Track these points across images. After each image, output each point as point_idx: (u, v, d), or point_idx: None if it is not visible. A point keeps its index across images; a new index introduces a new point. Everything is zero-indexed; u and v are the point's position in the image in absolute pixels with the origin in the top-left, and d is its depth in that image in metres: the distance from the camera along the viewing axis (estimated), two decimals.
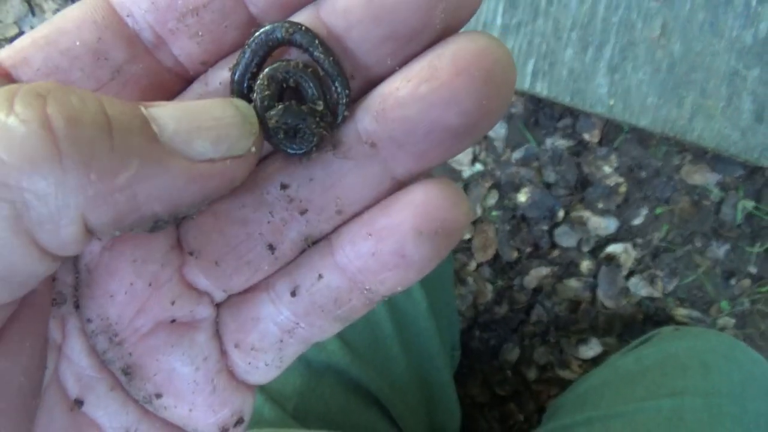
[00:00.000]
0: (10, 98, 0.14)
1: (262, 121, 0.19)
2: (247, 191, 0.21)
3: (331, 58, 0.19)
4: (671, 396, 0.63)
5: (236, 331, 0.22)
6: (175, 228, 0.21)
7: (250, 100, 0.19)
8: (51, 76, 0.18)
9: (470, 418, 1.23)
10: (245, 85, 0.19)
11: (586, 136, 1.21)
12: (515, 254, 1.24)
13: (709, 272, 1.20)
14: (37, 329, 0.20)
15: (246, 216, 0.21)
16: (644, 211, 1.21)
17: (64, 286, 0.20)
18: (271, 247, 0.21)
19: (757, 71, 0.53)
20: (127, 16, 0.19)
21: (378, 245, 0.19)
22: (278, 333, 0.22)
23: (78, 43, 0.18)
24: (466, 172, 1.25)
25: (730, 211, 1.17)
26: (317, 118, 0.19)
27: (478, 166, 1.24)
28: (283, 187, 0.21)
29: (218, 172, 0.17)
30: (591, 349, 1.22)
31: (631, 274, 1.22)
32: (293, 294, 0.21)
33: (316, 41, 0.19)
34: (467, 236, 1.25)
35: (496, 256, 1.25)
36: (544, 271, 1.23)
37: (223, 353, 0.22)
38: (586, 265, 1.23)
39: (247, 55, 0.19)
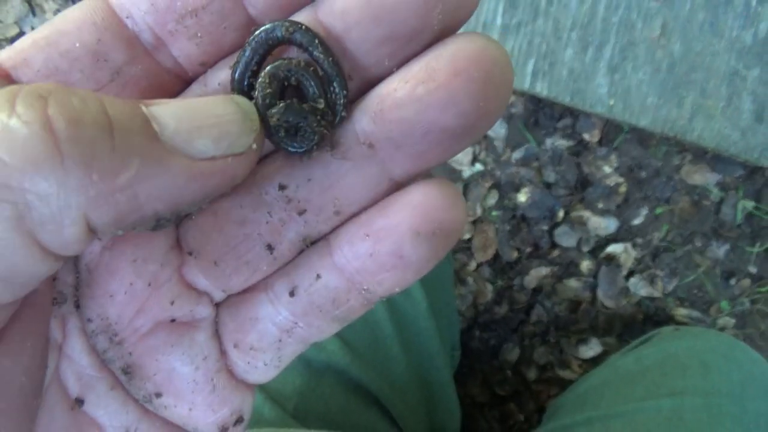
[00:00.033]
0: (11, 99, 0.14)
1: (264, 119, 0.19)
2: (245, 192, 0.21)
3: (331, 59, 0.19)
4: (671, 396, 0.63)
5: (235, 331, 0.22)
6: (174, 228, 0.21)
7: (250, 98, 0.19)
8: (51, 77, 0.18)
9: (470, 418, 1.23)
10: (246, 82, 0.19)
11: (586, 136, 1.21)
12: (515, 254, 1.24)
13: (709, 272, 1.20)
14: (39, 329, 0.20)
15: (245, 216, 0.21)
16: (644, 211, 1.21)
17: (64, 286, 0.21)
18: (270, 248, 0.21)
19: (757, 71, 0.53)
20: (127, 17, 0.19)
21: (376, 246, 0.19)
22: (277, 333, 0.22)
23: (78, 45, 0.18)
24: (466, 172, 1.25)
25: (730, 211, 1.17)
26: (318, 117, 0.19)
27: (478, 166, 1.24)
28: (282, 187, 0.21)
29: (219, 170, 0.17)
30: (591, 349, 1.22)
31: (631, 274, 1.22)
32: (292, 294, 0.21)
33: (316, 41, 0.19)
34: (467, 236, 1.25)
35: (496, 256, 1.25)
36: (544, 271, 1.23)
37: (223, 353, 0.22)
38: (586, 265, 1.23)
39: (247, 53, 0.19)
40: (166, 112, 0.17)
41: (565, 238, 1.23)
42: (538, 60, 0.56)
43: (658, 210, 1.20)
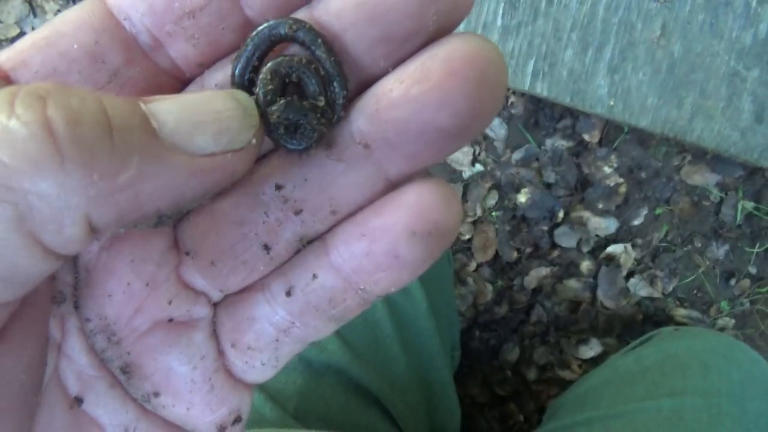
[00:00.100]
0: (10, 100, 0.14)
1: (264, 115, 0.19)
2: (242, 192, 0.21)
3: (333, 58, 0.19)
4: (671, 396, 0.63)
5: (232, 331, 0.22)
6: (172, 228, 0.21)
7: (250, 93, 0.19)
8: (49, 78, 0.18)
9: (470, 418, 1.23)
10: (246, 78, 0.19)
11: (586, 137, 1.21)
12: (515, 254, 1.24)
13: (708, 272, 1.20)
14: (38, 328, 0.20)
15: (241, 216, 0.21)
16: (644, 212, 1.21)
17: (63, 285, 0.21)
18: (267, 248, 0.21)
19: (757, 72, 0.53)
20: (125, 19, 0.19)
21: (371, 246, 0.19)
22: (274, 333, 0.22)
23: (76, 46, 0.18)
24: (467, 172, 1.25)
25: (729, 211, 1.17)
26: (318, 115, 0.19)
27: (479, 167, 1.24)
28: (278, 187, 0.21)
29: (219, 166, 0.17)
30: (591, 349, 1.22)
31: (630, 274, 1.22)
32: (288, 294, 0.21)
33: (319, 40, 0.19)
34: (467, 236, 1.25)
35: (496, 257, 1.25)
36: (544, 271, 1.23)
37: (221, 352, 0.22)
38: (586, 265, 1.23)
39: (249, 49, 0.19)
40: (165, 108, 0.16)
41: (565, 238, 1.23)
42: (538, 60, 0.56)
43: (658, 210, 1.20)
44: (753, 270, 1.18)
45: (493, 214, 1.24)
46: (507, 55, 0.56)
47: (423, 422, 0.70)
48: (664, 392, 0.64)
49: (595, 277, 1.22)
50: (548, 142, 1.22)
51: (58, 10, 1.35)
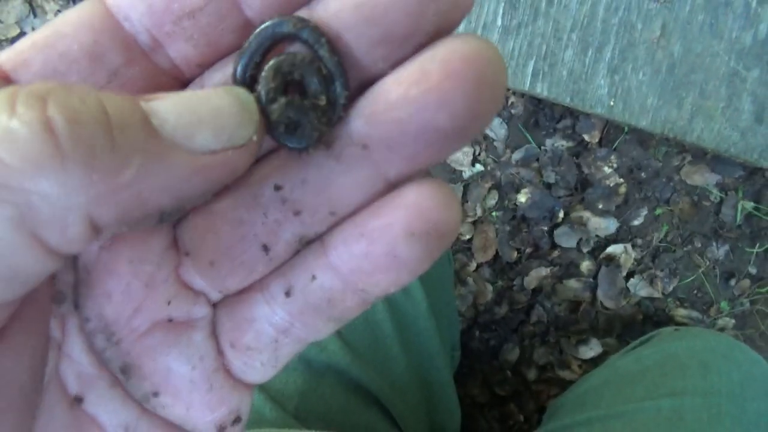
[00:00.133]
0: (11, 100, 0.14)
1: (265, 112, 0.19)
2: (240, 192, 0.21)
3: (336, 58, 0.19)
4: (671, 396, 0.63)
5: (232, 331, 0.22)
6: (171, 228, 0.21)
7: (252, 90, 0.19)
8: (49, 78, 0.18)
9: (470, 418, 1.23)
10: (247, 74, 0.19)
11: (586, 137, 1.21)
12: (515, 255, 1.24)
13: (708, 273, 1.20)
14: (39, 328, 0.20)
15: (240, 217, 0.21)
16: (644, 212, 1.21)
17: (64, 285, 0.21)
18: (266, 248, 0.21)
19: (757, 72, 0.53)
20: (124, 19, 0.19)
21: (370, 246, 0.19)
22: (273, 333, 0.22)
23: (76, 47, 0.18)
24: (467, 172, 1.25)
25: (729, 211, 1.17)
26: (319, 114, 0.19)
27: (479, 167, 1.24)
28: (277, 188, 0.21)
29: (220, 163, 0.17)
30: (591, 349, 1.22)
31: (630, 274, 1.22)
32: (287, 294, 0.21)
33: (323, 39, 0.18)
34: (467, 237, 1.25)
35: (496, 257, 1.25)
36: (544, 271, 1.23)
37: (220, 353, 0.22)
38: (586, 265, 1.23)
39: (252, 45, 0.19)
40: (166, 107, 0.16)
41: (565, 238, 1.23)
42: (538, 61, 0.56)
43: (658, 211, 1.20)
44: (753, 270, 1.18)
45: (493, 214, 1.24)
46: (507, 56, 0.56)
47: (423, 422, 0.70)
48: (664, 392, 0.64)
49: (595, 277, 1.23)
50: (548, 142, 1.22)
51: (59, 11, 1.36)
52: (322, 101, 0.19)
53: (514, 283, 1.25)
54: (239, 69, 0.19)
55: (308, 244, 0.21)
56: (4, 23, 1.36)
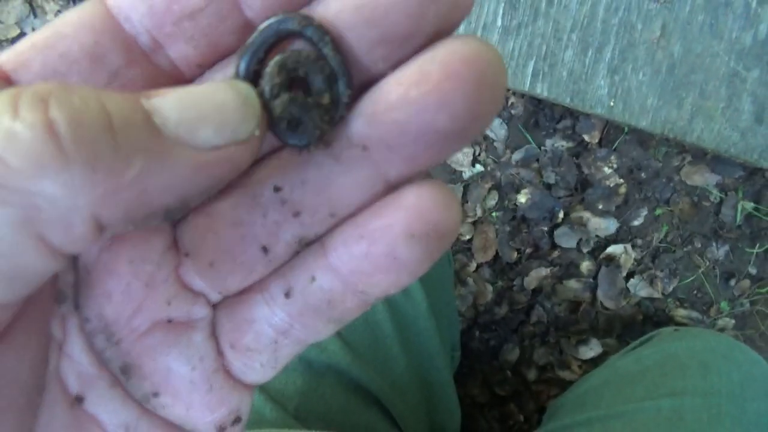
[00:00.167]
0: (14, 102, 0.14)
1: (268, 108, 0.19)
2: (240, 193, 0.21)
3: (339, 57, 0.19)
4: (671, 396, 0.63)
5: (231, 332, 0.22)
6: (171, 228, 0.21)
7: (255, 86, 0.19)
8: (49, 79, 0.18)
9: (470, 418, 1.23)
10: (250, 70, 0.19)
11: (586, 137, 1.21)
12: (515, 255, 1.24)
13: (708, 273, 1.20)
14: (41, 327, 0.20)
15: (239, 218, 0.21)
16: (644, 212, 1.21)
17: (65, 285, 0.21)
18: (265, 249, 0.21)
19: (757, 72, 0.53)
20: (125, 20, 0.19)
21: (370, 247, 0.19)
22: (273, 334, 0.22)
23: (76, 48, 0.18)
24: (467, 173, 1.25)
25: (729, 212, 1.17)
26: (321, 112, 0.19)
27: (479, 167, 1.24)
28: (276, 189, 0.20)
29: (223, 159, 0.17)
30: (591, 349, 1.22)
31: (630, 274, 1.22)
32: (287, 296, 0.21)
33: (327, 38, 0.18)
34: (467, 237, 1.25)
35: (496, 257, 1.25)
36: (544, 271, 1.23)
37: (220, 353, 0.22)
38: (586, 265, 1.23)
39: (256, 41, 0.19)
40: (167, 103, 0.16)
41: (565, 239, 1.23)
42: (538, 61, 0.56)
43: (658, 211, 1.20)
44: (753, 270, 1.18)
45: (493, 214, 1.24)
46: (507, 56, 0.57)
47: (423, 422, 0.70)
48: (664, 392, 0.64)
49: (595, 277, 1.23)
50: (548, 142, 1.22)
51: (59, 11, 1.36)
52: (325, 99, 0.19)
53: (514, 283, 1.25)
54: (242, 64, 0.19)
55: (308, 245, 0.21)
56: (5, 23, 1.36)
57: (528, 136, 1.22)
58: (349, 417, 0.61)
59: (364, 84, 0.19)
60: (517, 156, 1.23)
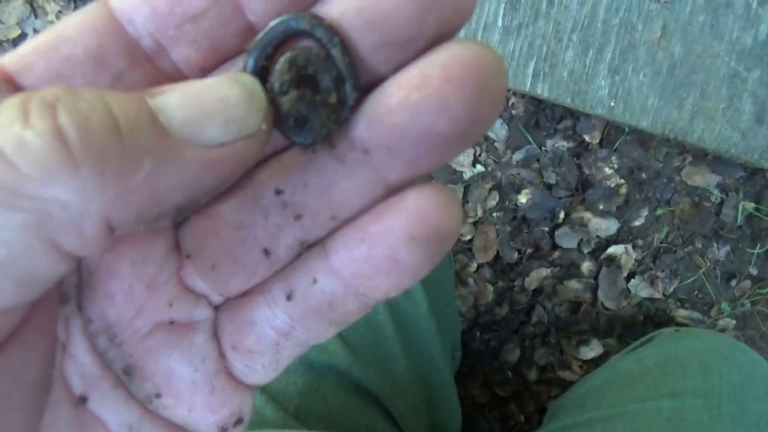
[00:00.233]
0: (24, 109, 0.15)
1: (275, 104, 0.19)
2: (242, 195, 0.21)
3: (347, 59, 0.19)
4: (672, 396, 0.63)
5: (233, 334, 0.22)
6: (173, 230, 0.21)
7: (262, 82, 0.19)
8: (53, 82, 0.18)
9: (471, 419, 1.23)
10: (258, 65, 0.19)
11: (587, 138, 1.21)
12: (516, 255, 1.24)
13: (709, 273, 1.20)
14: (48, 328, 0.20)
15: (241, 221, 0.21)
16: (645, 213, 1.21)
17: (68, 286, 0.21)
18: (267, 252, 0.21)
19: (758, 73, 0.53)
20: (128, 23, 0.19)
21: (371, 250, 0.19)
22: (274, 336, 0.22)
23: (79, 50, 0.18)
24: (467, 173, 1.25)
25: (730, 212, 1.17)
26: (329, 111, 0.19)
27: (479, 168, 1.25)
28: (278, 192, 0.21)
29: (231, 155, 0.17)
30: (591, 350, 1.22)
31: (631, 275, 1.22)
32: (289, 298, 0.21)
33: (336, 39, 0.18)
34: (468, 237, 1.25)
35: (497, 257, 1.25)
36: (545, 272, 1.23)
37: (222, 355, 0.22)
38: (586, 266, 1.23)
39: (266, 38, 0.19)
40: (172, 102, 0.16)
41: (566, 239, 1.23)
42: (538, 61, 0.56)
43: (659, 211, 1.20)
44: (754, 271, 1.18)
45: (494, 214, 1.24)
46: (507, 56, 0.57)
47: (424, 422, 0.70)
48: (665, 393, 0.64)
49: (595, 278, 1.23)
50: (549, 142, 1.22)
51: (59, 11, 1.36)
52: (333, 99, 0.19)
53: (515, 283, 1.25)
54: (251, 60, 0.19)
55: (309, 247, 0.21)
56: (5, 24, 1.36)
57: (529, 136, 1.22)
58: (349, 417, 0.61)
59: (368, 86, 0.19)
60: (517, 156, 1.23)
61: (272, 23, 0.19)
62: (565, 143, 1.21)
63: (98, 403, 0.21)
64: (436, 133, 0.18)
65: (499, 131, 1.23)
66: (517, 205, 1.23)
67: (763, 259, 1.18)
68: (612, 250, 1.22)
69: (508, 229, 1.24)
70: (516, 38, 0.56)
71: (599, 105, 0.56)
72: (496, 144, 1.24)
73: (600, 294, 1.22)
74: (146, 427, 0.22)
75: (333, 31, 0.18)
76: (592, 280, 1.23)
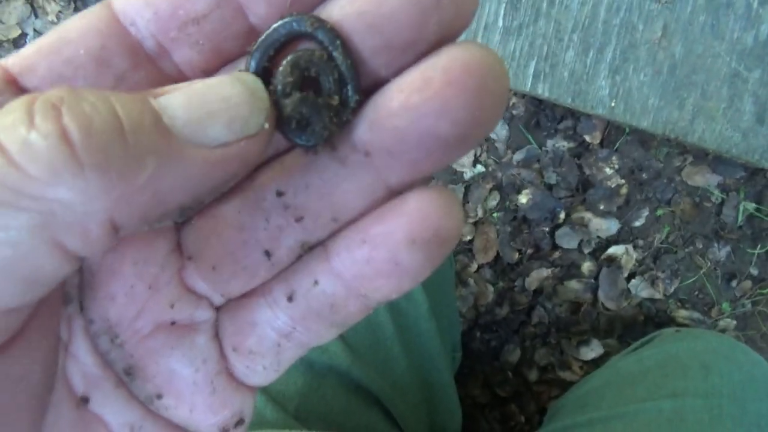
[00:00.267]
0: (29, 111, 0.15)
1: (278, 106, 0.19)
2: (243, 197, 0.21)
3: (349, 61, 0.19)
4: (672, 397, 0.63)
5: (234, 335, 0.22)
6: (175, 231, 0.22)
7: (264, 83, 0.19)
8: (55, 83, 0.18)
9: (471, 419, 1.23)
10: (260, 66, 0.19)
11: (588, 138, 1.21)
12: (516, 256, 1.24)
13: (710, 274, 1.20)
14: (52, 328, 0.20)
15: (242, 222, 0.21)
16: (645, 213, 1.21)
17: (70, 287, 0.21)
18: (268, 254, 0.21)
19: (758, 73, 0.53)
20: (131, 25, 0.19)
21: (372, 252, 0.19)
22: (276, 337, 0.22)
23: (82, 52, 0.18)
24: (468, 173, 1.25)
25: (731, 212, 1.17)
26: (331, 114, 0.19)
27: (480, 168, 1.25)
28: (279, 194, 0.21)
29: (234, 155, 0.17)
30: (592, 350, 1.22)
31: (632, 275, 1.22)
32: (290, 299, 0.21)
33: (338, 41, 0.18)
34: (468, 238, 1.25)
35: (497, 258, 1.25)
36: (545, 272, 1.23)
37: (223, 356, 0.22)
38: (587, 266, 1.23)
39: (269, 39, 0.19)
40: (175, 102, 0.16)
41: (566, 239, 1.23)
42: (539, 62, 0.56)
43: (659, 211, 1.20)
44: (754, 271, 1.18)
45: (494, 215, 1.24)
46: (508, 56, 0.57)
47: (424, 423, 0.70)
48: (666, 393, 0.64)
49: (596, 278, 1.23)
50: (549, 143, 1.22)
51: (60, 12, 1.36)
52: (335, 101, 0.19)
53: (515, 284, 1.25)
54: (253, 62, 0.19)
55: (311, 249, 0.21)
56: (6, 24, 1.36)
57: (529, 136, 1.22)
58: (349, 418, 0.61)
59: (369, 89, 0.19)
60: (518, 156, 1.23)
61: (274, 25, 0.19)
62: (565, 143, 1.21)
63: (100, 404, 0.21)
64: (437, 135, 0.18)
65: (499, 131, 1.23)
66: (518, 206, 1.23)
67: (764, 260, 1.18)
68: (612, 250, 1.22)
69: (509, 229, 1.24)
70: (517, 38, 0.56)
71: (600, 105, 0.56)
72: (496, 144, 1.24)
73: (600, 294, 1.22)
74: (148, 428, 0.22)
75: (335, 33, 0.18)
76: (592, 281, 1.23)
